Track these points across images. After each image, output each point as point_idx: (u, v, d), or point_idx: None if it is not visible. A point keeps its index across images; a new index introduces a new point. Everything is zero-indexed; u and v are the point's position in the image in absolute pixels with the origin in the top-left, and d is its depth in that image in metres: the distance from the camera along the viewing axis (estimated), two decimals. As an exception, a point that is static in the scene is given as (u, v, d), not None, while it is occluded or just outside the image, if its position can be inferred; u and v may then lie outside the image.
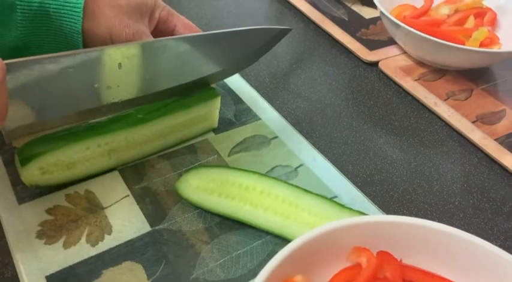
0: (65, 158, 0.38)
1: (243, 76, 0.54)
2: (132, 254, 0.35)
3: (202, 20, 0.64)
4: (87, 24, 0.38)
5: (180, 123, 0.43)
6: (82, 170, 0.39)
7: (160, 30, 0.44)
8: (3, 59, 0.32)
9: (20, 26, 0.36)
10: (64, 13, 0.37)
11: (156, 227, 0.37)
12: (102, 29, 0.38)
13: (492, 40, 0.60)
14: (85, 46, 0.39)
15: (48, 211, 0.37)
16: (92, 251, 0.35)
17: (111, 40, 0.39)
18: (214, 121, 0.46)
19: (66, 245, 0.35)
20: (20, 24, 0.36)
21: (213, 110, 0.45)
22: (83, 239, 0.36)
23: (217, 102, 0.45)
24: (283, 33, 0.46)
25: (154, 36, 0.42)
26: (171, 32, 0.44)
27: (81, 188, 0.39)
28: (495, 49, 0.59)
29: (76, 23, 0.37)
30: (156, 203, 0.39)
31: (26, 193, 0.38)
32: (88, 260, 0.35)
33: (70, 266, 0.34)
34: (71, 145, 0.37)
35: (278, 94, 0.53)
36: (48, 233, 0.36)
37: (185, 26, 0.44)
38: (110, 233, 0.37)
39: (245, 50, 0.45)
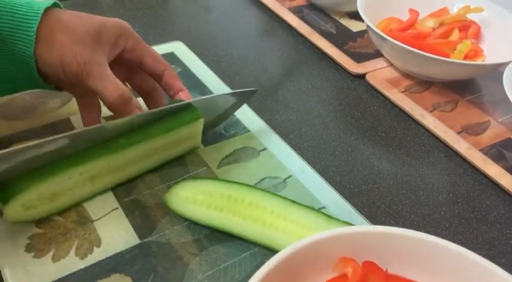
0: (47, 191, 0.37)
1: (232, 89, 0.54)
2: (121, 266, 0.36)
3: (192, 33, 0.65)
4: (39, 50, 0.36)
5: (162, 146, 0.42)
6: (65, 200, 0.38)
7: (125, 59, 0.42)
8: None
9: None
10: (17, 37, 0.35)
11: (145, 240, 0.38)
12: (54, 56, 0.37)
13: (476, 52, 0.62)
14: (39, 71, 0.37)
15: (37, 224, 0.38)
16: (81, 264, 0.35)
17: (62, 68, 0.37)
18: (197, 141, 0.45)
19: (55, 258, 0.35)
20: None
21: (195, 131, 0.44)
22: (72, 252, 0.36)
23: (199, 124, 0.44)
24: (251, 93, 0.48)
25: (119, 66, 0.41)
26: (137, 63, 0.43)
27: (70, 201, 0.40)
28: (479, 61, 0.60)
29: (28, 48, 0.36)
30: (145, 215, 0.39)
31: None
32: (77, 273, 0.35)
33: (59, 279, 0.34)
34: (52, 177, 0.36)
35: (267, 106, 0.54)
36: (37, 246, 0.36)
37: (154, 58, 0.43)
38: (99, 246, 0.37)
39: (213, 114, 0.46)
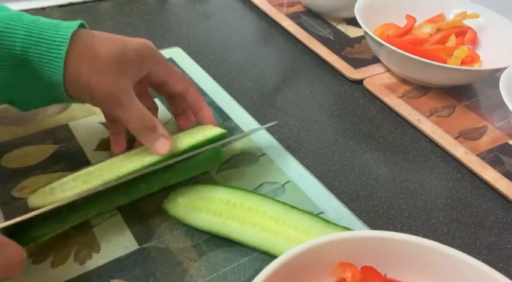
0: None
1: (231, 94, 0.55)
2: (120, 272, 0.35)
3: (191, 40, 0.65)
4: (66, 76, 0.36)
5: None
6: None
7: (149, 79, 0.42)
8: None
9: (2, 72, 0.36)
10: (45, 63, 0.36)
11: (144, 245, 0.38)
12: (80, 83, 0.37)
13: (473, 58, 0.62)
14: (69, 95, 0.38)
15: (36, 230, 0.38)
16: (80, 270, 0.35)
17: (88, 95, 0.37)
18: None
19: (54, 264, 0.35)
20: (1, 69, 0.36)
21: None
22: (71, 257, 0.36)
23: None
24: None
25: (142, 87, 0.42)
26: (161, 83, 0.43)
27: (69, 207, 0.40)
28: (476, 67, 0.61)
29: (57, 75, 0.36)
30: (144, 221, 0.39)
31: (13, 212, 0.38)
32: (76, 279, 0.35)
33: (58, 285, 0.34)
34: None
35: (265, 111, 0.54)
36: (36, 252, 0.36)
37: (176, 77, 0.43)
38: (98, 251, 0.37)
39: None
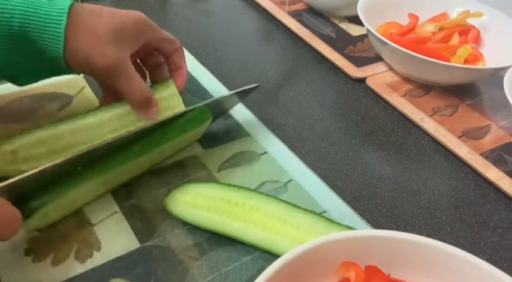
0: (65, 202, 0.37)
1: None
2: (121, 270, 0.35)
3: (192, 37, 0.65)
4: (66, 50, 0.37)
5: (173, 146, 0.43)
6: (77, 204, 0.39)
7: (144, 48, 0.43)
8: None
9: (2, 47, 0.36)
10: (46, 38, 0.36)
11: (145, 244, 0.37)
12: (80, 56, 0.37)
13: (476, 57, 0.62)
14: (69, 67, 0.38)
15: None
16: (81, 268, 0.35)
17: (88, 67, 0.38)
18: (198, 136, 0.47)
19: (54, 262, 0.35)
20: (1, 45, 0.36)
21: (203, 129, 0.46)
22: (72, 256, 0.36)
23: (207, 124, 0.45)
24: (252, 89, 0.48)
25: (135, 56, 0.43)
26: (154, 49, 0.45)
27: (70, 205, 0.39)
28: (479, 66, 0.60)
29: (57, 49, 0.37)
30: (145, 219, 0.39)
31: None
32: (76, 278, 0.34)
33: (58, 284, 0.34)
34: (71, 190, 0.36)
35: (267, 110, 0.54)
36: (37, 250, 0.36)
37: (169, 43, 0.45)
38: (98, 250, 0.36)
39: (216, 112, 0.47)
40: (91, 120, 0.40)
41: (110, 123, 0.41)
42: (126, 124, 0.42)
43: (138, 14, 0.42)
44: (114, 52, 0.38)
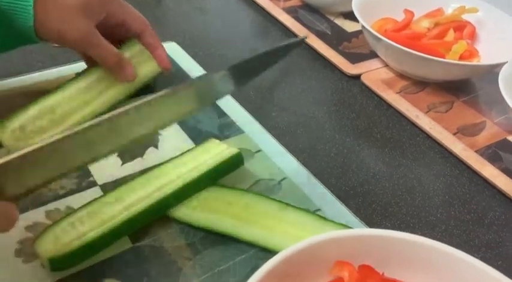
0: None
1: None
2: (114, 271, 0.35)
3: (186, 34, 0.64)
4: (36, 23, 0.39)
5: None
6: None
7: (108, 21, 0.45)
8: None
9: None
10: (16, 11, 0.38)
11: (138, 244, 0.37)
12: (52, 28, 0.40)
13: (471, 53, 0.61)
14: (40, 38, 0.41)
15: (28, 228, 0.37)
16: (73, 269, 0.35)
17: (59, 39, 0.41)
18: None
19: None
20: None
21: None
22: (64, 256, 0.35)
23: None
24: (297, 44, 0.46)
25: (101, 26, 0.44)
26: (119, 24, 0.46)
27: (61, 205, 0.39)
28: (474, 62, 0.60)
29: (27, 21, 0.39)
30: (138, 218, 0.39)
31: None
32: (68, 278, 0.34)
33: (50, 285, 0.34)
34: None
35: (262, 107, 0.54)
36: (27, 251, 0.35)
37: (133, 18, 0.47)
38: (90, 250, 0.36)
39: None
40: (79, 85, 0.45)
41: (97, 86, 0.46)
42: (110, 85, 0.46)
43: None
44: (83, 24, 0.41)
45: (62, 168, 0.29)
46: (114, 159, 0.43)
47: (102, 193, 0.40)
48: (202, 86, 0.37)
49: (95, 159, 0.31)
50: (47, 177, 0.29)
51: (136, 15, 0.47)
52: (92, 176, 0.41)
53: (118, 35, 0.47)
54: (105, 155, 0.31)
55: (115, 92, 0.47)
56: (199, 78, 0.40)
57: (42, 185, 0.29)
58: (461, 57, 0.60)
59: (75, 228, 0.35)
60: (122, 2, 0.46)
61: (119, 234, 0.36)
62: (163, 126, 0.34)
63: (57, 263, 0.33)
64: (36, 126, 0.42)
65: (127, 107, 0.31)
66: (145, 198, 0.37)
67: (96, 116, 0.36)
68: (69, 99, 0.44)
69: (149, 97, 0.32)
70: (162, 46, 0.49)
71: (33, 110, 0.42)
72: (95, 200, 0.38)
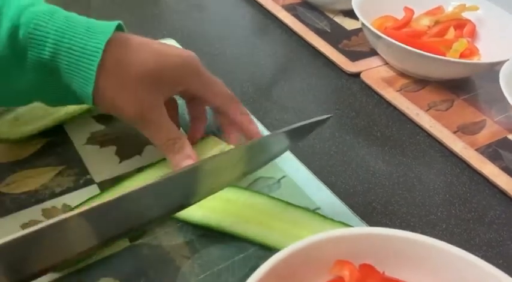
0: None
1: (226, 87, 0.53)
2: (111, 270, 0.34)
3: (185, 32, 0.64)
4: (96, 89, 0.34)
5: None
6: None
7: (186, 93, 0.40)
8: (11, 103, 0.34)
9: (31, 71, 0.34)
10: (75, 73, 0.33)
11: (136, 242, 0.36)
12: (107, 100, 0.35)
13: (472, 51, 0.61)
14: (96, 106, 0.36)
15: (24, 227, 0.36)
16: (70, 268, 0.34)
17: (113, 109, 0.35)
18: None
19: (42, 262, 0.34)
20: (30, 69, 0.33)
21: None
22: (60, 255, 0.35)
23: None
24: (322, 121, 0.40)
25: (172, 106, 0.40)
26: (197, 111, 0.42)
27: (58, 203, 0.38)
28: (475, 60, 0.60)
29: (86, 87, 0.34)
30: (136, 217, 0.38)
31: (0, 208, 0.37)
32: (66, 277, 0.34)
33: (46, 284, 0.33)
34: None
35: (261, 105, 0.53)
36: (24, 249, 0.35)
37: (215, 94, 0.41)
38: (88, 249, 0.36)
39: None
40: None
41: None
42: None
43: (186, 55, 0.38)
44: (143, 98, 0.35)
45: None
46: (111, 157, 0.43)
47: (99, 191, 0.40)
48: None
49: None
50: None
51: (220, 91, 0.41)
52: (89, 173, 0.41)
53: (192, 108, 0.43)
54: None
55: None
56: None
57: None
58: (461, 56, 0.59)
59: None
60: (206, 77, 0.40)
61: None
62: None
63: None
64: (31, 116, 0.43)
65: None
66: None
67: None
68: None
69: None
70: (252, 121, 0.42)
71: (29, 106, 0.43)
72: (92, 198, 0.38)
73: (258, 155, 0.36)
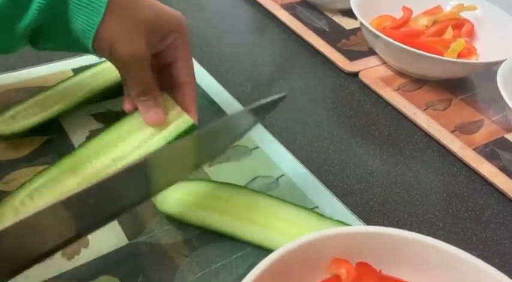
0: None
1: (224, 86, 0.54)
2: (109, 267, 0.35)
3: (183, 30, 0.64)
4: (100, 27, 0.36)
5: None
6: None
7: (161, 53, 0.42)
8: (12, 47, 0.35)
9: (37, 10, 0.34)
10: (85, 3, 0.35)
11: (134, 240, 0.37)
12: (107, 38, 0.36)
13: (470, 51, 0.61)
14: (92, 45, 0.37)
15: None
16: (68, 265, 0.34)
17: (109, 52, 0.37)
18: None
19: (40, 260, 0.34)
20: (36, 7, 0.34)
21: None
22: (59, 252, 0.35)
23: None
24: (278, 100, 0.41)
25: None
26: (167, 63, 0.43)
27: (57, 201, 0.38)
28: (473, 60, 0.60)
29: (93, 22, 0.35)
30: (134, 215, 0.38)
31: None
32: (64, 275, 0.34)
33: (45, 281, 0.33)
34: None
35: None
36: (22, 247, 0.35)
37: (185, 66, 0.43)
38: (86, 247, 0.36)
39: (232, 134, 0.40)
40: (74, 80, 0.47)
41: (88, 79, 0.47)
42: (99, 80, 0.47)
43: (177, 15, 0.41)
44: (140, 45, 0.37)
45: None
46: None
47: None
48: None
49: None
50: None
51: (190, 64, 0.44)
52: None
53: (159, 79, 0.44)
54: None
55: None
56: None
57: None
58: (459, 55, 0.59)
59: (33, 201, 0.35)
60: (186, 44, 0.42)
61: None
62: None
63: None
64: (28, 113, 0.43)
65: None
66: (106, 168, 0.38)
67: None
68: (63, 90, 0.46)
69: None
70: (194, 109, 0.44)
71: (26, 103, 0.44)
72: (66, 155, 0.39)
73: (212, 142, 0.38)
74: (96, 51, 0.38)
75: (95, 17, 0.35)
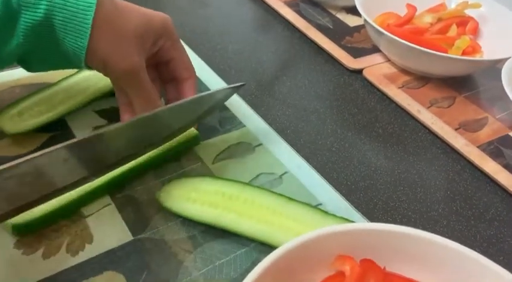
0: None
1: (228, 83, 0.54)
2: (114, 263, 0.35)
3: (187, 27, 0.64)
4: (89, 45, 0.35)
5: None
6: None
7: (157, 56, 0.42)
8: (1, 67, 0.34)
9: (22, 35, 0.35)
10: (70, 27, 0.35)
11: (138, 236, 0.37)
12: (99, 56, 0.36)
13: (474, 48, 0.61)
14: (85, 64, 0.37)
15: (27, 220, 0.37)
16: (72, 261, 0.34)
17: (103, 66, 0.37)
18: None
19: (45, 255, 0.35)
20: (22, 33, 0.34)
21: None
22: (63, 248, 0.35)
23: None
24: (239, 87, 0.45)
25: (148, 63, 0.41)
26: (165, 62, 0.43)
27: (61, 197, 0.39)
28: (477, 57, 0.60)
29: (81, 42, 0.35)
30: (138, 211, 0.39)
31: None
32: (68, 270, 0.34)
33: (49, 277, 0.33)
34: None
35: (263, 101, 0.53)
36: (27, 242, 0.35)
37: (183, 63, 0.43)
38: (90, 242, 0.36)
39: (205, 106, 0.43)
40: (79, 76, 0.48)
41: (94, 76, 0.47)
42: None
43: (164, 18, 0.41)
44: (133, 56, 0.37)
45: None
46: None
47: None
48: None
49: None
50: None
51: (186, 59, 0.44)
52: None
53: (159, 74, 0.45)
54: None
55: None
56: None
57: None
58: (463, 53, 0.59)
59: None
60: (178, 42, 0.43)
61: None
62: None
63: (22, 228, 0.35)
64: (34, 111, 0.44)
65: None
66: None
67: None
68: (68, 88, 0.46)
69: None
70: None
71: (32, 99, 0.44)
72: None
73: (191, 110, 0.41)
74: (91, 68, 0.38)
75: (82, 38, 0.35)
